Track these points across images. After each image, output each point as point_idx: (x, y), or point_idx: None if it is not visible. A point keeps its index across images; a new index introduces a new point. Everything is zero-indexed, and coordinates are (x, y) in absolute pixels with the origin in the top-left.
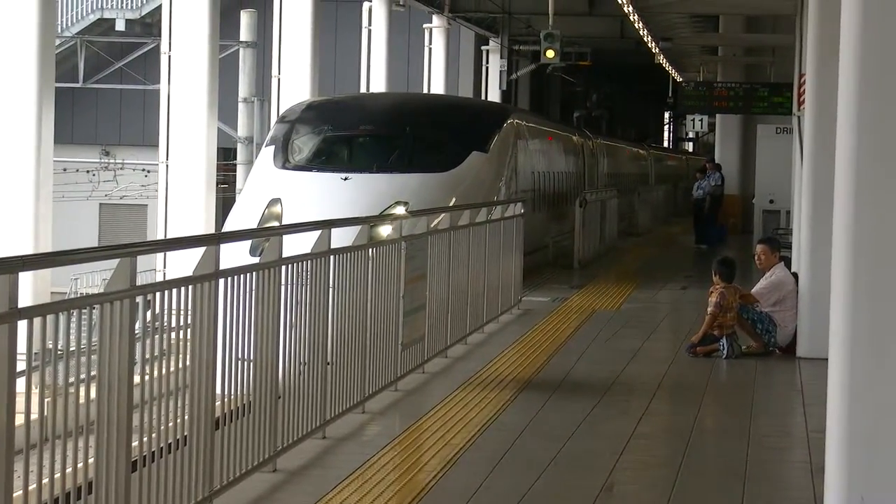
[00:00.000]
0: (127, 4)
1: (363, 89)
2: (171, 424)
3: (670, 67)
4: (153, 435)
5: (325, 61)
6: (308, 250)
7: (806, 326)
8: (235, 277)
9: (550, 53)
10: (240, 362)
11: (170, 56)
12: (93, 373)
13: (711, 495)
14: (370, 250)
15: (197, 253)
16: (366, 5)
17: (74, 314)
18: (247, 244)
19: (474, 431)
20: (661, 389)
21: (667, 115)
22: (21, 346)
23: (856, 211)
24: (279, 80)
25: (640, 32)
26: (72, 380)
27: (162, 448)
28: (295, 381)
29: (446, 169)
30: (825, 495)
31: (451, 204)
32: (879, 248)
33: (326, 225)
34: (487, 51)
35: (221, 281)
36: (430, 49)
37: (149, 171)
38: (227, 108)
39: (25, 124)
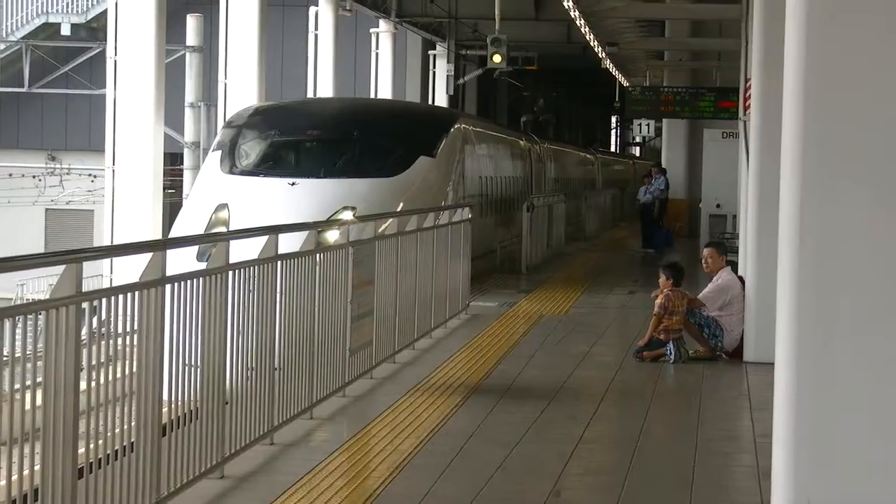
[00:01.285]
0: (72, 9)
1: (310, 94)
2: (117, 431)
3: (617, 72)
4: (100, 441)
5: (271, 66)
6: (255, 256)
7: (752, 331)
8: (182, 283)
9: (497, 58)
10: (187, 368)
11: (116, 61)
12: (39, 379)
13: (659, 500)
14: (317, 256)
15: (143, 259)
16: (312, 10)
17: (20, 320)
18: (194, 250)
19: (422, 437)
20: (609, 394)
21: (614, 119)
22: None
23: (801, 215)
24: (226, 84)
25: (587, 37)
26: (17, 386)
27: (109, 454)
28: (242, 386)
29: (394, 174)
30: (772, 499)
31: (398, 209)
32: (824, 253)
33: (273, 230)
34: (434, 55)
35: (168, 287)
36: (377, 54)
37: (95, 177)
38: (173, 113)
39: None
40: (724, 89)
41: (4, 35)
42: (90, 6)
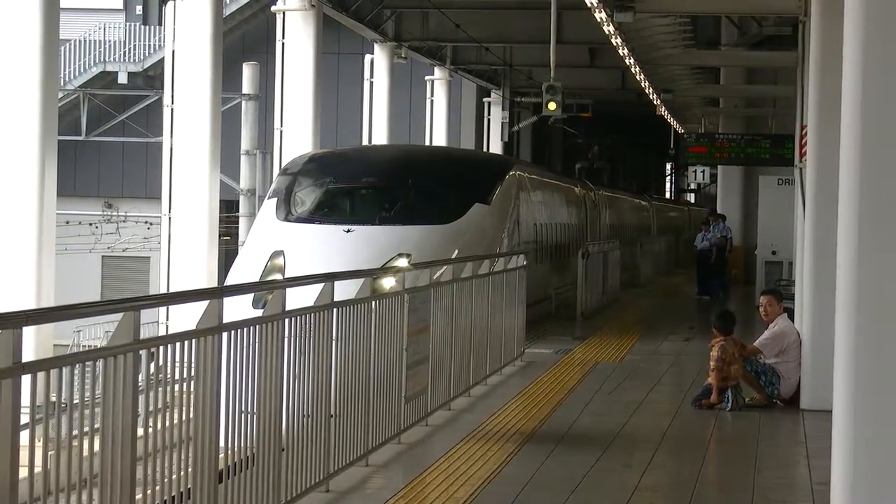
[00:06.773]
0: (129, 57)
1: (365, 141)
2: (174, 477)
3: (672, 119)
4: (157, 488)
5: (327, 114)
6: (311, 303)
7: (809, 378)
8: (239, 331)
9: (552, 105)
10: (243, 415)
11: (172, 109)
12: (96, 425)
13: None
14: (373, 303)
15: (200, 306)
16: (368, 58)
17: (78, 367)
18: (250, 297)
19: (477, 485)
20: (665, 442)
21: (668, 166)
22: (25, 399)
23: (859, 263)
24: (281, 132)
25: (642, 84)
26: (75, 433)
27: (165, 501)
28: (298, 433)
29: (449, 221)
30: None
31: (453, 256)
32: (882, 301)
33: (329, 278)
34: (489, 102)
35: (225, 334)
36: (431, 101)
37: (151, 224)
38: (229, 161)
39: (28, 177)
40: (780, 136)
41: (62, 83)
42: (147, 55)
